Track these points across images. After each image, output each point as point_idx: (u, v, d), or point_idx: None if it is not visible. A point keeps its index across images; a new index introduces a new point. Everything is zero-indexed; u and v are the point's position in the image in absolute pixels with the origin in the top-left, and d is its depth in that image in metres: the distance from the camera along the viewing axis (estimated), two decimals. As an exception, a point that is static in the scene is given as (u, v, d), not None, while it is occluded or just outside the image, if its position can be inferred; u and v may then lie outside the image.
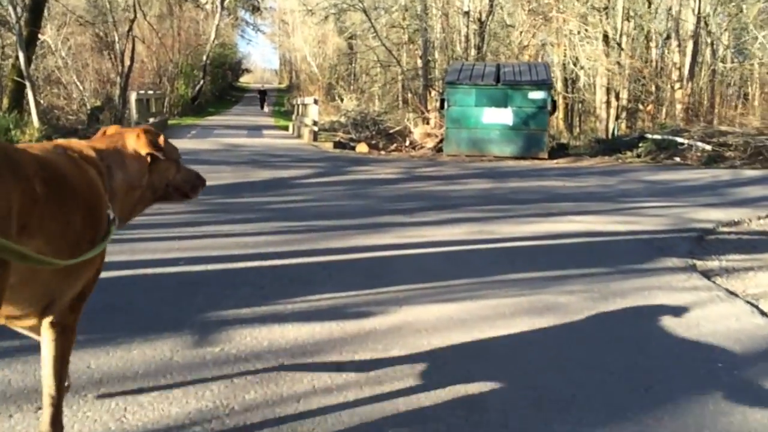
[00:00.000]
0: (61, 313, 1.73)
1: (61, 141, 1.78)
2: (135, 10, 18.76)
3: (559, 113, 22.21)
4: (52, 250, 1.45)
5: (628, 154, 13.89)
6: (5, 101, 15.14)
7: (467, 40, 22.24)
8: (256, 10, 52.41)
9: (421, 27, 23.73)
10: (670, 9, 26.07)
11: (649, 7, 26.01)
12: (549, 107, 13.03)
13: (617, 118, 21.45)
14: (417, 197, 7.42)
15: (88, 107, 20.06)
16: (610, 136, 18.87)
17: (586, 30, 20.34)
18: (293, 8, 42.31)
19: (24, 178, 1.34)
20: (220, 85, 44.87)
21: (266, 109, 36.39)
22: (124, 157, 1.84)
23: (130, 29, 18.72)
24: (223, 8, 33.96)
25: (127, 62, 19.26)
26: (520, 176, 9.92)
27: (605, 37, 21.75)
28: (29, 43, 15.02)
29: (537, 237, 5.21)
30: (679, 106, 23.10)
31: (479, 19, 21.76)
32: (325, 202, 6.88)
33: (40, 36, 20.90)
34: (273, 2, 52.31)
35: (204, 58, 34.16)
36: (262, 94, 38.47)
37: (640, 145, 14.19)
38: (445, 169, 10.77)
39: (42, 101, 21.08)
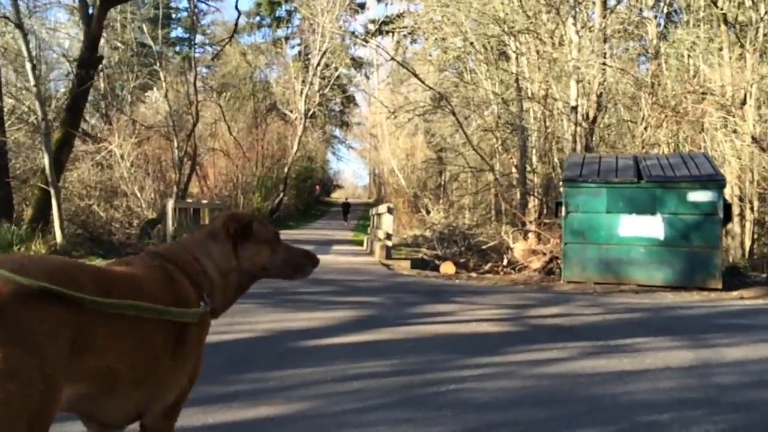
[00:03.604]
0: (153, 420, 1.60)
1: (161, 250, 1.76)
2: (197, 116, 16.85)
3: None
4: (125, 366, 1.42)
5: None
6: (29, 211, 12.93)
7: (574, 140, 18.72)
8: (345, 125, 52.09)
9: (518, 126, 20.51)
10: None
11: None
12: (720, 214, 8.88)
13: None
14: (562, 404, 3.41)
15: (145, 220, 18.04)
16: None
17: (735, 123, 16.12)
18: (382, 121, 41.08)
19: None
20: (306, 200, 43.43)
21: (349, 222, 34.27)
22: (210, 247, 1.78)
23: (191, 134, 16.73)
24: (306, 118, 32.77)
25: (186, 171, 17.14)
26: (722, 330, 5.71)
27: (734, 131, 17.44)
28: (63, 145, 12.99)
29: None
30: None
31: (587, 116, 18.32)
32: None
33: (107, 145, 19.70)
34: (363, 119, 51.87)
35: (285, 170, 32.72)
36: (346, 206, 36.83)
37: None
38: (576, 310, 6.73)
39: (103, 215, 19.43)
